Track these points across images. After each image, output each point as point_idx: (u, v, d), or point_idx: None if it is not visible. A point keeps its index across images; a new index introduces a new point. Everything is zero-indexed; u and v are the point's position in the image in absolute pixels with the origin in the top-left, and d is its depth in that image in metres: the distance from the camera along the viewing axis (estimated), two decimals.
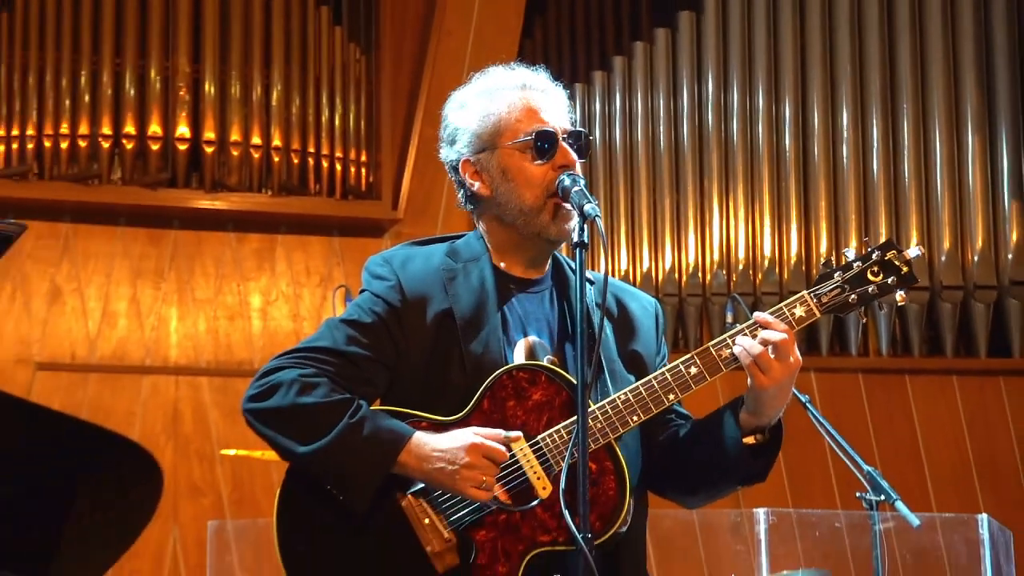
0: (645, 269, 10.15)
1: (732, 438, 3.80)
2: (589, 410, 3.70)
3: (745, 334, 3.73)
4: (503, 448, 3.68)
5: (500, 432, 3.70)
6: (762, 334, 3.70)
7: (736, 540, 8.04)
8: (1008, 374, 10.46)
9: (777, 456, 3.85)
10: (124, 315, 9.57)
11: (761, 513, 7.51)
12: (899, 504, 6.13)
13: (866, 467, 6.23)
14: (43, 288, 9.49)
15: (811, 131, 10.46)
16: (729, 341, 3.76)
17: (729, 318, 7.04)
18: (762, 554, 7.46)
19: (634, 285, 5.37)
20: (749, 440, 3.81)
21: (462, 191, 4.03)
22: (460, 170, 4.01)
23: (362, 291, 3.95)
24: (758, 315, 3.75)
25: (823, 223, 10.35)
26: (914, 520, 6.12)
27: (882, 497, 6.21)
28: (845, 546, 8.14)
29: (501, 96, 3.96)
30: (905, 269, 3.80)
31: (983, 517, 7.80)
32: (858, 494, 6.30)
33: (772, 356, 3.68)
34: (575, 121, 4.02)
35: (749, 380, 3.73)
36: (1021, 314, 10.39)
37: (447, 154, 4.05)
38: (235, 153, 9.64)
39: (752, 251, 10.28)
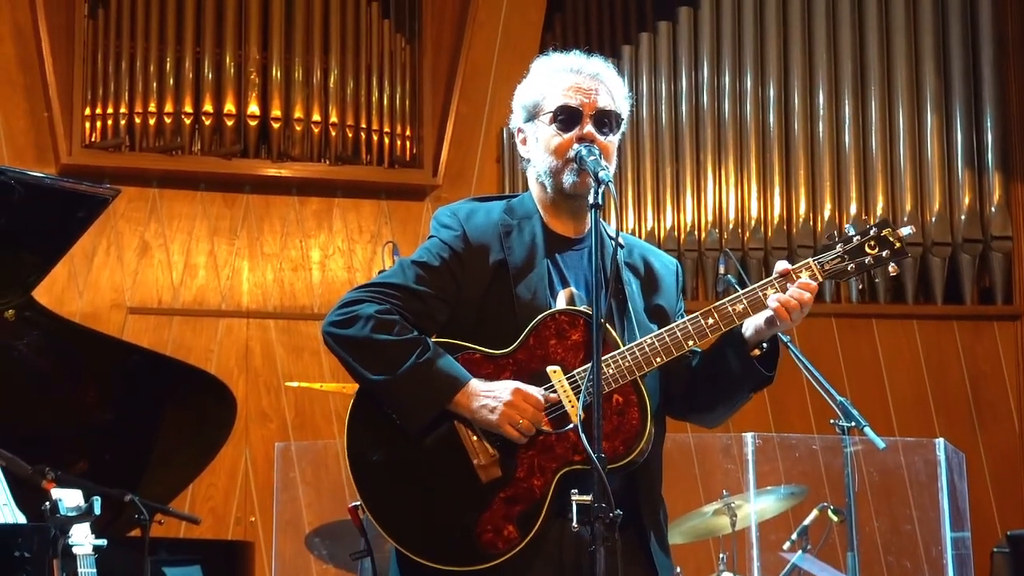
0: (649, 228, 10.13)
1: (739, 354, 3.82)
2: (618, 351, 3.72)
3: (774, 287, 3.77)
4: (541, 397, 3.69)
5: (540, 389, 3.71)
6: (793, 291, 3.75)
7: (727, 460, 8.03)
8: (960, 318, 10.42)
9: (778, 360, 3.88)
10: (203, 267, 9.57)
11: (749, 436, 7.51)
12: (867, 429, 6.12)
13: (839, 397, 6.22)
14: (134, 243, 9.49)
15: (792, 110, 10.41)
16: (743, 298, 3.77)
17: (721, 269, 7.05)
18: (749, 472, 7.46)
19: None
20: (755, 353, 3.83)
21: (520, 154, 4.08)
22: (516, 136, 4.05)
23: (431, 237, 3.94)
24: (784, 267, 3.83)
25: (802, 189, 10.31)
26: (880, 443, 6.11)
27: (852, 423, 6.20)
28: (820, 465, 8.14)
29: (552, 77, 3.97)
30: (898, 245, 3.84)
31: (939, 441, 7.79)
32: (832, 421, 6.29)
33: (800, 307, 3.74)
34: (629, 104, 4.04)
35: (764, 320, 3.77)
36: (972, 267, 10.35)
37: (511, 121, 4.09)
38: (298, 128, 9.63)
39: (741, 213, 10.25)
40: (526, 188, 4.08)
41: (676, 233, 10.14)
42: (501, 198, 4.06)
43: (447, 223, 3.93)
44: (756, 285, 3.79)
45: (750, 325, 3.81)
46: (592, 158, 3.78)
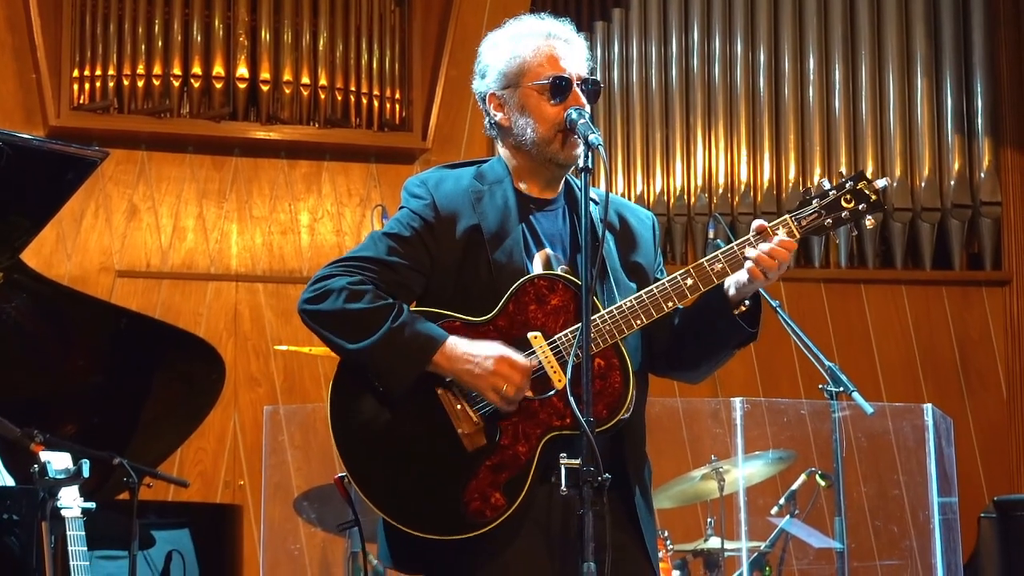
0: (639, 192, 10.13)
1: (722, 312, 3.81)
2: (598, 314, 3.70)
3: (752, 245, 3.73)
4: (527, 363, 3.68)
5: (523, 355, 3.70)
6: (767, 248, 3.71)
7: (715, 425, 8.04)
8: (949, 284, 10.44)
9: (761, 317, 3.86)
10: (192, 230, 9.56)
11: (737, 401, 7.50)
12: (855, 395, 6.13)
13: (827, 363, 6.22)
14: (122, 206, 9.47)
15: (782, 74, 10.40)
16: (721, 257, 3.76)
17: (711, 234, 7.02)
18: (738, 437, 7.46)
19: None
20: (739, 310, 3.82)
21: (488, 119, 4.02)
22: (487, 101, 4.00)
23: (401, 208, 3.92)
24: (763, 224, 3.78)
25: (791, 153, 10.31)
26: (868, 408, 6.12)
27: (841, 388, 6.20)
28: (808, 430, 8.15)
29: (528, 41, 3.93)
30: (874, 197, 3.79)
31: (928, 407, 7.79)
32: (820, 386, 6.30)
33: (776, 266, 3.70)
34: (593, 69, 3.99)
35: (746, 277, 3.74)
36: (961, 232, 10.37)
37: (478, 86, 4.04)
38: (287, 91, 9.60)
39: (730, 177, 10.24)
40: None
41: (665, 197, 10.14)
42: (471, 164, 4.04)
43: (416, 193, 3.91)
44: (734, 243, 3.77)
45: (731, 283, 3.80)
46: (583, 121, 3.77)
